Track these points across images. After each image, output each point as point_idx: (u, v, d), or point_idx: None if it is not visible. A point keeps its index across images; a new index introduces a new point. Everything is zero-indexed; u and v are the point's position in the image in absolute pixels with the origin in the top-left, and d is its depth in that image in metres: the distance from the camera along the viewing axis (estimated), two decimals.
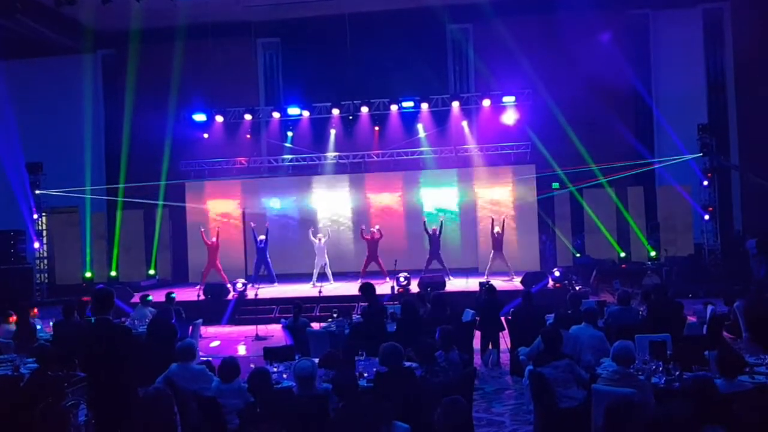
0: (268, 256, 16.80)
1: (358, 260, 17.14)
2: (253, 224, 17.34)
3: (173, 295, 11.64)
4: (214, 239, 16.78)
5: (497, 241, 16.36)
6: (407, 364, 6.29)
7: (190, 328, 10.69)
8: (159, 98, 19.62)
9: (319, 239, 16.68)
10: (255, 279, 16.69)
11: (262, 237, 16.77)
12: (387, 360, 5.91)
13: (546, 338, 6.23)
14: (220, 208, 20.11)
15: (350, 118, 19.51)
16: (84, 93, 20.94)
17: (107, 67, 22.17)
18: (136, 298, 15.02)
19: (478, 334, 10.25)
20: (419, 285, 14.42)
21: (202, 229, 17.09)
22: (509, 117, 18.74)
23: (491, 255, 16.43)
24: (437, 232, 16.59)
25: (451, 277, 16.12)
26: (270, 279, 17.01)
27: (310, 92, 20.03)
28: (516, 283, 15.27)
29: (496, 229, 16.43)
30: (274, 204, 19.67)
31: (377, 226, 16.80)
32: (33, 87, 21.23)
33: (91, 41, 20.71)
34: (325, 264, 16.64)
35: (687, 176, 18.85)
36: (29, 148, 19.91)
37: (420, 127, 19.62)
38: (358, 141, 19.89)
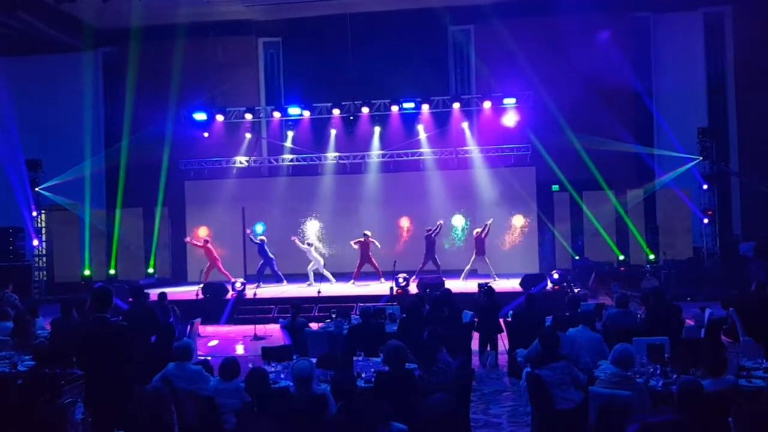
0: (269, 253, 16.94)
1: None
2: (248, 230, 17.64)
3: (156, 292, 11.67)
4: (200, 242, 17.38)
5: (479, 245, 16.57)
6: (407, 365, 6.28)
7: (189, 327, 10.70)
8: (159, 97, 19.59)
9: (306, 244, 17.02)
10: (259, 279, 16.96)
11: (263, 238, 17.06)
12: (390, 360, 5.90)
13: (543, 340, 6.23)
14: (219, 208, 20.09)
15: (351, 118, 19.47)
16: (84, 91, 20.90)
17: (108, 65, 22.14)
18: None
19: (476, 335, 10.25)
20: (418, 286, 14.45)
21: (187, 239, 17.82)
22: (510, 119, 18.73)
23: (472, 258, 16.64)
24: (433, 234, 16.77)
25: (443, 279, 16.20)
26: (277, 278, 17.11)
27: (310, 92, 19.98)
28: (500, 283, 15.41)
29: (477, 230, 16.81)
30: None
31: (369, 233, 16.95)
32: (33, 84, 21.18)
33: (92, 39, 20.67)
34: (322, 265, 16.72)
35: (687, 180, 18.88)
36: (29, 146, 19.93)
37: (420, 128, 19.59)
38: (359, 141, 19.86)
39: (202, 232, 19.70)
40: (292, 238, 17.38)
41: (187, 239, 18.19)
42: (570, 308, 8.94)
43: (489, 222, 16.96)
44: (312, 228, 19.81)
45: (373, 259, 16.71)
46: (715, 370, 5.39)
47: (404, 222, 19.79)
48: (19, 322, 9.20)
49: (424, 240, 16.90)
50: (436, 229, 16.97)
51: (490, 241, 17.28)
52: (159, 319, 9.25)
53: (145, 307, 9.51)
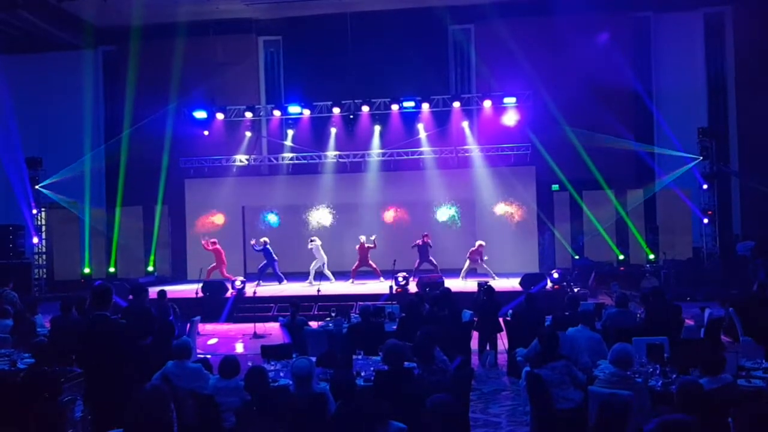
0: (273, 255, 16.94)
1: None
2: (252, 241, 17.49)
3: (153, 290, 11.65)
4: (210, 246, 17.22)
5: (472, 255, 16.75)
6: (406, 363, 6.27)
7: (188, 325, 10.69)
8: (159, 95, 19.61)
9: (310, 243, 17.00)
10: (260, 277, 17.00)
11: (265, 239, 17.08)
12: (390, 359, 5.89)
13: (543, 340, 6.23)
14: (219, 207, 20.09)
15: (351, 117, 19.44)
16: (84, 89, 20.92)
17: (108, 64, 22.16)
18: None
19: (476, 334, 10.25)
20: (418, 285, 14.45)
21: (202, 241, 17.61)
22: (510, 118, 18.72)
23: (467, 263, 16.79)
24: (428, 242, 16.81)
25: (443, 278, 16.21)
26: (278, 279, 17.10)
27: (311, 91, 19.97)
28: (500, 282, 15.42)
29: (480, 242, 16.87)
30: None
31: (374, 236, 16.93)
32: (33, 82, 21.21)
33: (92, 37, 20.71)
34: (323, 263, 16.72)
35: (687, 180, 18.88)
36: (29, 144, 19.93)
37: (421, 127, 19.59)
38: (359, 140, 19.86)
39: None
40: (309, 243, 17.32)
41: (203, 242, 17.66)
42: (569, 308, 8.93)
43: (481, 248, 16.98)
44: (315, 222, 19.78)
45: (371, 263, 16.74)
46: (711, 368, 5.39)
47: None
48: (18, 320, 9.19)
49: (417, 247, 16.91)
50: (424, 240, 16.92)
51: (489, 240, 17.30)
52: (155, 317, 9.23)
53: (143, 305, 9.50)
